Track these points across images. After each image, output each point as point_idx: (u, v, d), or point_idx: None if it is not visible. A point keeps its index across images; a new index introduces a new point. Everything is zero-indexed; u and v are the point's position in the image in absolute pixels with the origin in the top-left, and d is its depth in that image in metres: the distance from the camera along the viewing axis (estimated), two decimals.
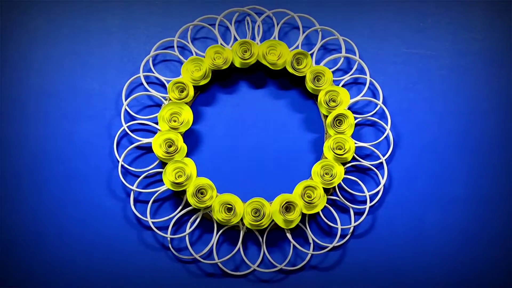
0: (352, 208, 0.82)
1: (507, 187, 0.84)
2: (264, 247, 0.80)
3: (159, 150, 0.79)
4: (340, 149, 0.80)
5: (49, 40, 0.85)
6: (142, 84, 0.84)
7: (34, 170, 0.82)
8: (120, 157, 0.81)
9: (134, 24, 0.87)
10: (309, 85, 0.83)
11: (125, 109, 0.83)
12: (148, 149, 0.83)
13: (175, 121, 0.80)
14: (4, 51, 0.85)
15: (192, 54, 0.85)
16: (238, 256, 0.81)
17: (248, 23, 0.87)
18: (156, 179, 0.83)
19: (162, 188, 0.80)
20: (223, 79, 0.86)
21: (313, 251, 0.80)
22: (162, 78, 0.84)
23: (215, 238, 0.80)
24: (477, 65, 0.87)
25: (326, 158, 0.81)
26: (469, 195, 0.84)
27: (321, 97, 0.82)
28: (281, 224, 0.79)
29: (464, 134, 0.85)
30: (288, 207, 0.78)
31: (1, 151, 0.82)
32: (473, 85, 0.87)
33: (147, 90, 0.84)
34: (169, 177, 0.78)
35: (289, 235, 0.80)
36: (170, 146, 0.79)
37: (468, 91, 0.86)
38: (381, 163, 0.83)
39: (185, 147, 0.80)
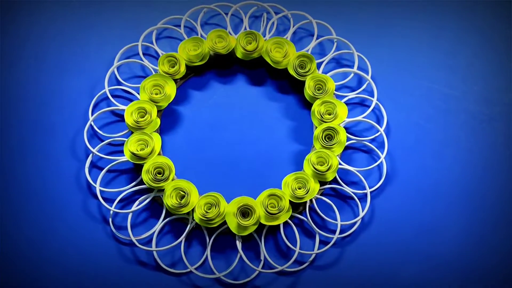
0: (319, 233, 0.71)
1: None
2: (208, 250, 0.71)
3: (129, 118, 0.73)
4: (321, 165, 0.71)
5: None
6: (138, 54, 0.80)
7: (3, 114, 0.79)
8: (91, 116, 0.76)
9: None
10: (307, 92, 0.75)
11: (113, 72, 0.79)
12: (123, 117, 0.78)
13: (157, 93, 0.75)
14: (12, 14, 0.84)
15: None
16: (178, 251, 0.72)
17: (264, 20, 0.82)
18: (121, 150, 0.77)
19: (122, 159, 0.74)
20: (222, 68, 0.81)
21: (261, 269, 0.70)
22: (161, 52, 0.80)
23: (159, 225, 0.71)
24: (505, 118, 0.76)
25: (304, 171, 0.72)
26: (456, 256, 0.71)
27: (316, 107, 0.74)
28: (233, 228, 0.69)
29: (474, 190, 0.73)
30: (245, 211, 0.69)
31: None
32: (495, 139, 0.76)
33: (142, 60, 0.79)
34: (130, 147, 0.72)
35: (239, 244, 0.70)
36: (142, 116, 0.74)
37: (486, 143, 0.75)
38: (366, 194, 0.72)
39: (158, 121, 0.74)
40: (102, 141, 0.76)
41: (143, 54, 0.80)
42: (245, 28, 0.81)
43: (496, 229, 0.72)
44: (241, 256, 0.70)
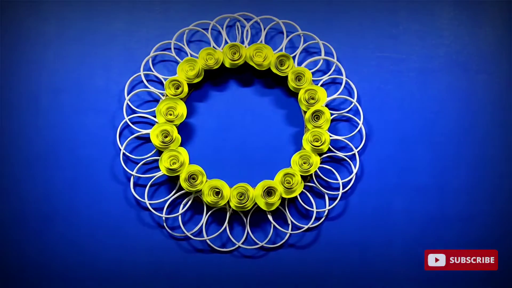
0: (327, 193, 0.92)
1: (465, 177, 0.94)
2: (248, 227, 0.91)
3: (156, 140, 0.89)
4: (317, 141, 0.90)
5: (59, 41, 0.96)
6: (142, 81, 0.94)
7: (45, 157, 0.93)
8: (122, 146, 0.91)
9: (136, 28, 0.97)
10: (291, 84, 0.93)
11: (127, 104, 0.93)
12: (146, 139, 0.94)
13: (171, 114, 0.91)
14: (20, 52, 0.95)
15: (187, 55, 0.95)
16: (225, 234, 0.91)
17: (238, 28, 0.97)
18: (153, 166, 0.93)
19: (158, 174, 0.91)
20: (215, 78, 0.96)
21: (291, 231, 0.91)
22: (160, 77, 0.94)
23: (204, 218, 0.90)
24: (443, 68, 0.97)
25: (305, 149, 0.91)
26: (432, 184, 0.94)
27: (301, 95, 0.92)
28: (263, 206, 0.89)
29: (430, 129, 0.95)
30: (269, 191, 0.89)
31: (17, 140, 0.93)
32: (439, 86, 0.97)
33: (147, 87, 0.94)
34: (164, 164, 0.88)
35: (270, 217, 0.90)
36: (166, 137, 0.90)
37: (434, 91, 0.97)
38: (354, 154, 0.93)
39: (179, 137, 0.90)
40: (136, 163, 0.92)
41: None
42: (225, 39, 0.96)
43: (456, 149, 0.95)
44: (274, 225, 0.90)
